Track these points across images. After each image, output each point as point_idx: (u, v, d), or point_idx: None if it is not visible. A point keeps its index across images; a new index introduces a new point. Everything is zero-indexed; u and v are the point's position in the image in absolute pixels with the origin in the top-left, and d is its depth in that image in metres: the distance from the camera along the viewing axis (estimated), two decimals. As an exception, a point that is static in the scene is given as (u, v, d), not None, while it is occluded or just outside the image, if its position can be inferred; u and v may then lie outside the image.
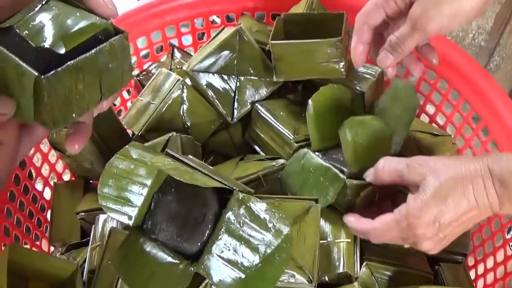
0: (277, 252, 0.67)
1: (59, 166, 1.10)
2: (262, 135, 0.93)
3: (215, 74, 0.92)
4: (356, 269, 0.80)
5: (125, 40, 0.56)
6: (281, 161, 0.87)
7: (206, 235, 0.68)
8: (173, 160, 0.71)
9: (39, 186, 1.05)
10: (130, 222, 0.69)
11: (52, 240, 0.98)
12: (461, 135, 1.03)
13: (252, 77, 0.94)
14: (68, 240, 0.96)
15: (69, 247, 0.92)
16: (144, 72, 1.11)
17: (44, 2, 0.55)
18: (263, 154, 0.95)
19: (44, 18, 0.54)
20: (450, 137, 1.02)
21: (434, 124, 1.10)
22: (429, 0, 0.71)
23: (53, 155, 1.07)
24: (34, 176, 1.02)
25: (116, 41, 0.55)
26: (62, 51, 0.52)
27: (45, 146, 1.06)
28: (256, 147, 0.96)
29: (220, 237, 0.67)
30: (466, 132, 1.02)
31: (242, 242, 0.67)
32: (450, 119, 1.05)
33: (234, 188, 0.68)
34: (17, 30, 0.52)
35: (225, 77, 0.93)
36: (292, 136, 0.88)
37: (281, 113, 0.92)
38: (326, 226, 0.83)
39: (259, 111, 0.92)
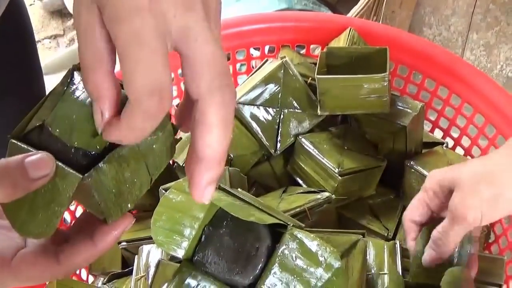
0: (327, 285, 0.67)
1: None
2: (305, 168, 0.94)
3: (260, 107, 0.93)
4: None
5: (166, 117, 0.49)
6: (326, 194, 0.87)
7: (259, 268, 0.68)
8: (226, 194, 0.71)
9: (79, 213, 1.05)
10: (181, 255, 0.69)
11: (92, 269, 0.98)
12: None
13: (295, 110, 0.95)
14: (108, 269, 0.96)
15: (111, 277, 0.92)
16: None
17: (68, 83, 0.50)
18: (305, 186, 0.95)
19: (73, 107, 0.48)
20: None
21: (469, 157, 1.10)
22: (467, 187, 0.70)
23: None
24: (74, 204, 1.02)
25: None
26: (96, 150, 0.47)
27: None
28: (299, 179, 0.97)
29: (273, 271, 0.67)
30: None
31: (295, 276, 0.67)
32: (484, 152, 1.06)
33: (289, 223, 0.69)
34: (49, 128, 0.48)
35: (269, 109, 0.94)
36: (337, 170, 0.88)
37: (325, 146, 0.92)
38: (370, 258, 0.83)
39: (303, 144, 0.93)
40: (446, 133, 1.13)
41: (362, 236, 0.80)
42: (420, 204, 0.77)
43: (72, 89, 0.49)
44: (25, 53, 1.04)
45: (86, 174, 0.45)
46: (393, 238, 0.91)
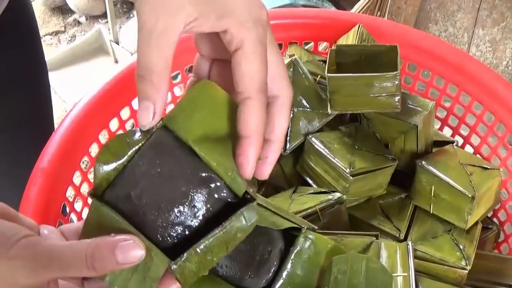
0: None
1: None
2: (316, 168, 0.92)
3: (269, 106, 0.92)
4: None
5: (255, 210, 0.52)
6: (338, 194, 0.86)
7: (272, 272, 0.67)
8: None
9: (78, 206, 1.02)
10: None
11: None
12: (505, 167, 1.02)
13: (305, 109, 0.94)
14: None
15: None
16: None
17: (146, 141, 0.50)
18: (315, 186, 0.94)
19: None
20: (498, 171, 1.01)
21: (478, 155, 1.09)
22: None
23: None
24: (73, 196, 0.98)
25: (247, 213, 0.51)
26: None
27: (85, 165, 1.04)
28: (308, 179, 0.95)
29: (287, 273, 0.66)
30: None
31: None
32: (495, 151, 1.05)
33: (303, 226, 0.68)
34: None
35: (279, 108, 0.93)
36: (348, 170, 0.87)
37: (335, 145, 0.91)
38: (383, 260, 0.82)
39: (313, 143, 0.91)
40: (456, 131, 1.12)
41: (375, 238, 0.79)
42: None
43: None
44: (29, 46, 1.04)
45: (173, 262, 0.47)
46: (405, 239, 0.90)
